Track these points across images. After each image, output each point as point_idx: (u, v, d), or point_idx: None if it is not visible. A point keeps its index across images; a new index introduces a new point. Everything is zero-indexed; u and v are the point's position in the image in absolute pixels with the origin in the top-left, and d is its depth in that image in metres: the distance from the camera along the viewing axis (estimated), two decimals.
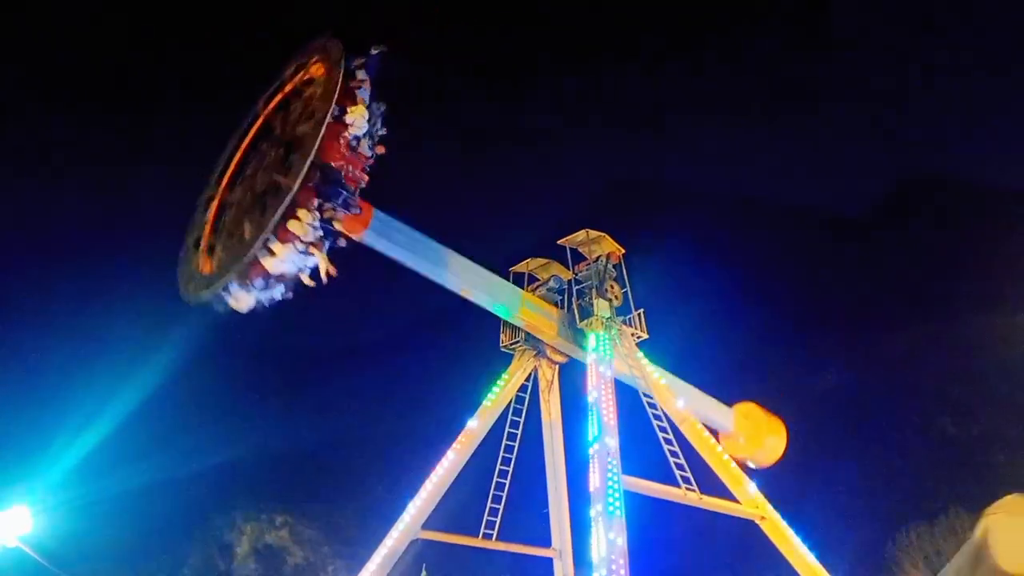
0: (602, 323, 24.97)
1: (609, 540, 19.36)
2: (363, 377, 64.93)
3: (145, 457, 51.66)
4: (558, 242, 27.12)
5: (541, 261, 27.75)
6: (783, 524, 24.67)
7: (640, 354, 26.01)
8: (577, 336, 25.27)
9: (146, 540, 50.63)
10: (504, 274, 27.80)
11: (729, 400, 29.30)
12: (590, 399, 23.06)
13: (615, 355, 24.75)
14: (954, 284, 66.13)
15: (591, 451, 21.72)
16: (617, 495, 20.30)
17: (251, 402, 59.32)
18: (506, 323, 27.08)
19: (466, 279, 22.23)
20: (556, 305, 26.49)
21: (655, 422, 24.04)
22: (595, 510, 20.22)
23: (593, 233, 26.51)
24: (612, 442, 21.64)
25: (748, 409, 29.12)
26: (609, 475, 20.73)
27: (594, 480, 20.78)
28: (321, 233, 16.47)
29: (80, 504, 41.09)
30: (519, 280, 27.61)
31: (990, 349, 57.69)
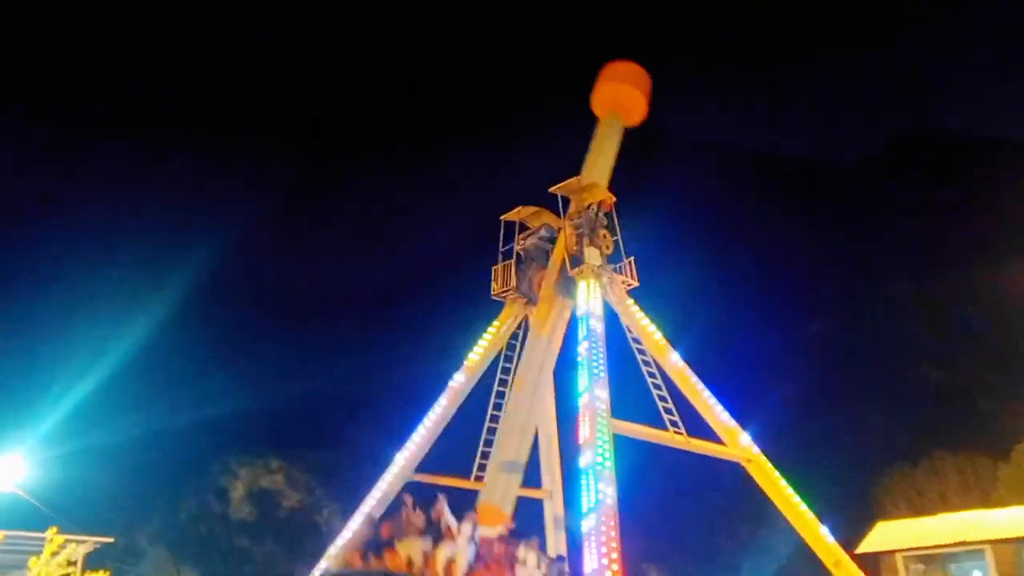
0: (593, 271, 25.07)
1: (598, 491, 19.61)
2: (357, 326, 65.20)
3: (140, 407, 51.96)
4: (550, 190, 27.04)
5: (532, 209, 27.66)
6: (769, 466, 25.21)
7: (631, 301, 26.23)
8: (568, 284, 25.40)
9: (142, 487, 51.30)
10: (495, 222, 27.87)
11: None
12: (580, 349, 23.23)
13: (606, 302, 24.96)
14: (945, 233, 66.41)
15: (581, 403, 21.93)
16: (607, 447, 20.55)
17: (245, 352, 59.55)
18: (498, 270, 27.23)
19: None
20: (546, 254, 26.59)
21: (644, 368, 24.41)
22: (585, 461, 20.49)
23: (585, 180, 26.41)
24: (602, 393, 21.84)
25: (605, 95, 28.87)
26: (599, 427, 20.95)
27: (584, 431, 20.97)
28: None
29: (75, 452, 41.43)
30: (510, 228, 27.63)
31: (978, 298, 58.28)
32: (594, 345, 22.73)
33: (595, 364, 22.28)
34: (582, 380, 22.21)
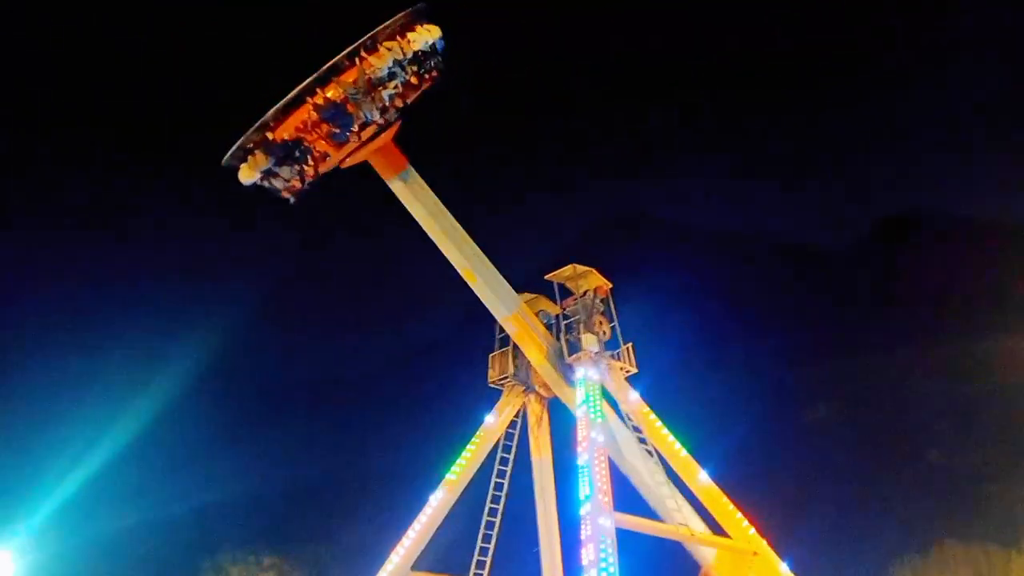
0: (591, 358, 24.86)
1: None
2: (352, 413, 64.50)
3: (129, 499, 50.91)
4: (545, 277, 27.06)
5: (528, 296, 27.56)
6: (776, 559, 24.47)
7: (630, 388, 25.89)
8: (566, 371, 25.15)
9: None
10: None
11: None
12: (580, 461, 22.47)
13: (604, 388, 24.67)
14: (941, 315, 66.59)
15: (583, 512, 21.15)
16: (610, 546, 19.86)
17: (236, 441, 58.79)
18: (495, 357, 26.96)
19: (473, 262, 23.61)
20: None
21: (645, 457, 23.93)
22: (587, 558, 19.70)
23: (580, 268, 26.46)
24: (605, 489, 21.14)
25: None
26: (602, 545, 20.02)
27: (587, 554, 20.00)
28: None
29: (64, 547, 40.43)
30: None
31: (977, 378, 57.95)
32: (593, 443, 22.13)
33: (596, 465, 21.65)
34: (583, 484, 21.46)
